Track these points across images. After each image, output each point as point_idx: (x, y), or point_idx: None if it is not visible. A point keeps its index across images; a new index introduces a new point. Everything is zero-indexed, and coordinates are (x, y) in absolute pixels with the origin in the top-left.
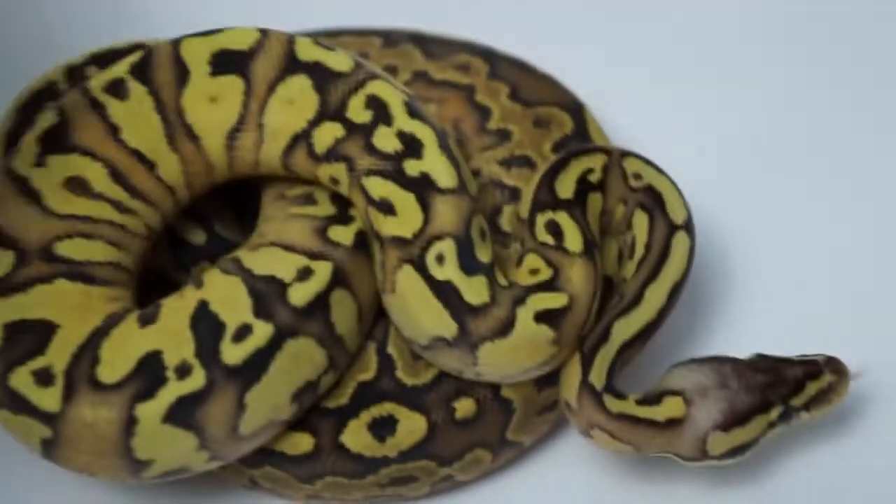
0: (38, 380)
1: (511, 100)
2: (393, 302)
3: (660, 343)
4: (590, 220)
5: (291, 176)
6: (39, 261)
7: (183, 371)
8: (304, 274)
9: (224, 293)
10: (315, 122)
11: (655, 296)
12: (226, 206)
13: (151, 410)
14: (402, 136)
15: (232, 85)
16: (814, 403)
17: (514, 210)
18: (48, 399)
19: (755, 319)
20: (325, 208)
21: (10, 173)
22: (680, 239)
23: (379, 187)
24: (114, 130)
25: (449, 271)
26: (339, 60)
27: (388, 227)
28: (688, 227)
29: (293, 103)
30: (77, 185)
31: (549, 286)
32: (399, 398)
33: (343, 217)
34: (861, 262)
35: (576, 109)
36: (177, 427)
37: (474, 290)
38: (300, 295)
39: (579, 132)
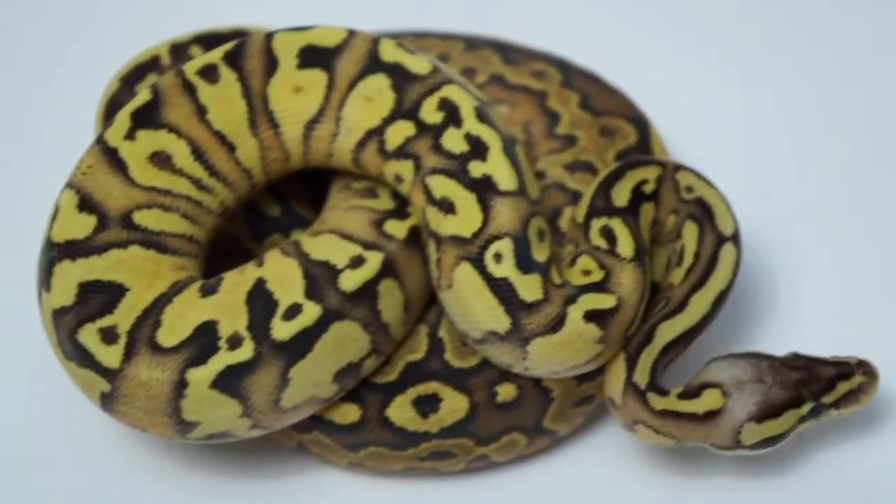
0: (104, 337)
1: (580, 108)
2: (449, 297)
3: (703, 340)
4: (642, 228)
5: (358, 171)
6: (118, 227)
7: (234, 342)
8: (357, 262)
9: (281, 273)
10: (389, 120)
11: (700, 303)
12: (303, 184)
13: (201, 376)
14: (469, 138)
15: (316, 78)
16: (843, 402)
17: (572, 213)
18: (110, 356)
19: (794, 322)
20: (385, 202)
21: (103, 144)
22: (727, 250)
23: (442, 186)
24: (201, 111)
25: (506, 269)
26: (418, 63)
27: (448, 225)
28: (735, 239)
29: (371, 101)
30: (161, 160)
31: (599, 287)
32: (445, 378)
33: (400, 212)
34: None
35: (641, 123)
36: (223, 393)
37: (529, 288)
38: (350, 281)
39: (641, 144)
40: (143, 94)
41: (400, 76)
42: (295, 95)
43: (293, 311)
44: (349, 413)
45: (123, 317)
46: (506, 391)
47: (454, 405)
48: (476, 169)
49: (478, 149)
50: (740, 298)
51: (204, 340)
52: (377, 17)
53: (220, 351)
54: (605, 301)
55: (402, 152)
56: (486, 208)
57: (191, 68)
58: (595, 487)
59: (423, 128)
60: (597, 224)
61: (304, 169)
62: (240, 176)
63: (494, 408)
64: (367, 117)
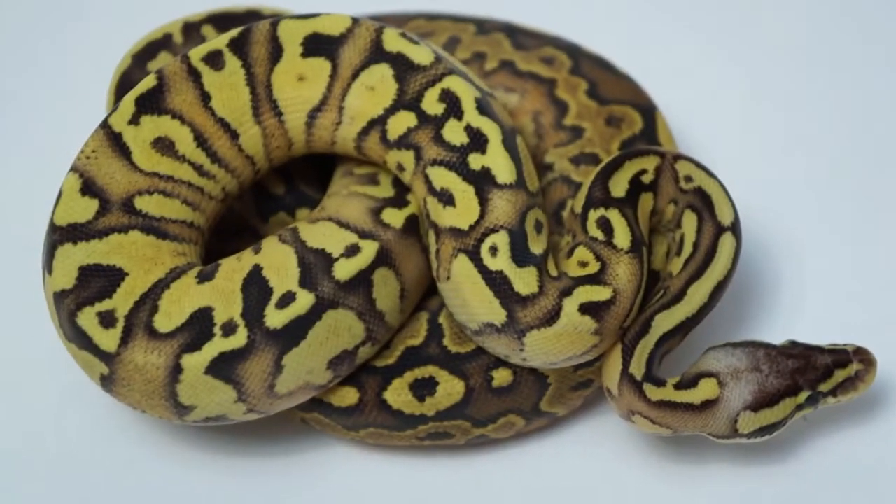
0: (102, 321)
1: (588, 96)
2: (447, 288)
3: (702, 329)
4: (640, 219)
5: (361, 158)
6: (119, 212)
7: (228, 329)
8: (352, 251)
9: (277, 260)
10: (391, 110)
11: (698, 293)
12: (308, 163)
13: (195, 361)
14: (469, 130)
15: (320, 67)
16: (840, 390)
17: (571, 204)
18: (108, 340)
19: (794, 311)
20: (385, 190)
21: (107, 128)
22: (726, 240)
23: (442, 177)
24: (205, 98)
25: (501, 262)
26: (421, 53)
27: (446, 217)
28: (734, 228)
29: (374, 90)
30: (164, 146)
31: (595, 279)
32: (442, 363)
33: (399, 201)
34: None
35: (648, 110)
36: (217, 379)
37: (524, 281)
38: (344, 270)
39: (647, 132)
40: (149, 80)
41: (402, 66)
42: (299, 84)
43: (287, 299)
44: (347, 396)
45: (122, 301)
46: (501, 376)
47: (450, 389)
48: (475, 161)
49: (478, 141)
50: (740, 288)
51: (199, 326)
52: (393, 1)
53: (214, 337)
54: (600, 293)
55: (403, 142)
56: (483, 201)
57: (196, 54)
58: (596, 466)
59: (424, 118)
60: (594, 215)
61: (307, 155)
62: (242, 163)
63: (490, 392)
64: (369, 107)
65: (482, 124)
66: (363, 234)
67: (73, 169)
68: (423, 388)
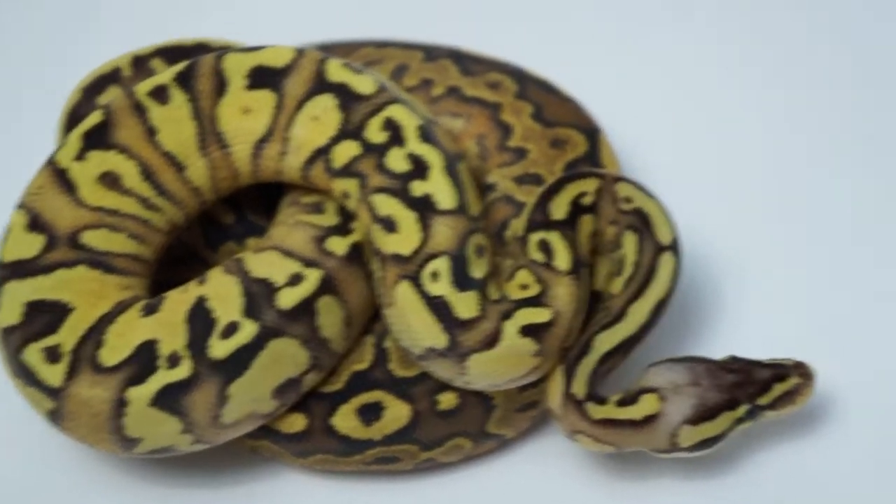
0: (48, 356)
1: (533, 119)
2: (391, 314)
3: (646, 345)
4: (581, 241)
5: (307, 186)
6: (66, 247)
7: (173, 360)
8: (295, 279)
9: (221, 291)
10: (336, 140)
11: (639, 313)
12: (257, 192)
13: (140, 394)
14: (412, 157)
15: (265, 99)
16: (779, 403)
17: (513, 227)
18: (53, 375)
19: (737, 327)
20: (330, 218)
21: (53, 165)
22: (666, 259)
23: (385, 204)
24: (151, 132)
25: (442, 287)
26: (364, 83)
27: (389, 244)
28: (674, 247)
29: (318, 120)
30: (110, 180)
31: (535, 301)
32: (388, 387)
33: (343, 229)
34: (837, 282)
35: (592, 133)
36: (163, 411)
37: (465, 305)
38: (287, 299)
39: (591, 154)
40: (95, 115)
41: (346, 96)
42: (244, 116)
43: (230, 330)
44: (295, 422)
45: (67, 336)
46: (447, 399)
47: (396, 413)
48: (417, 188)
49: (420, 168)
50: (683, 304)
51: (144, 359)
52: (343, 27)
53: (158, 370)
54: (540, 315)
55: (347, 171)
56: (425, 227)
57: (142, 89)
58: (546, 487)
59: (368, 147)
60: (535, 238)
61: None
62: (189, 195)
63: (436, 415)
64: (314, 137)
65: (424, 152)
66: (307, 263)
67: (21, 206)
68: (370, 413)
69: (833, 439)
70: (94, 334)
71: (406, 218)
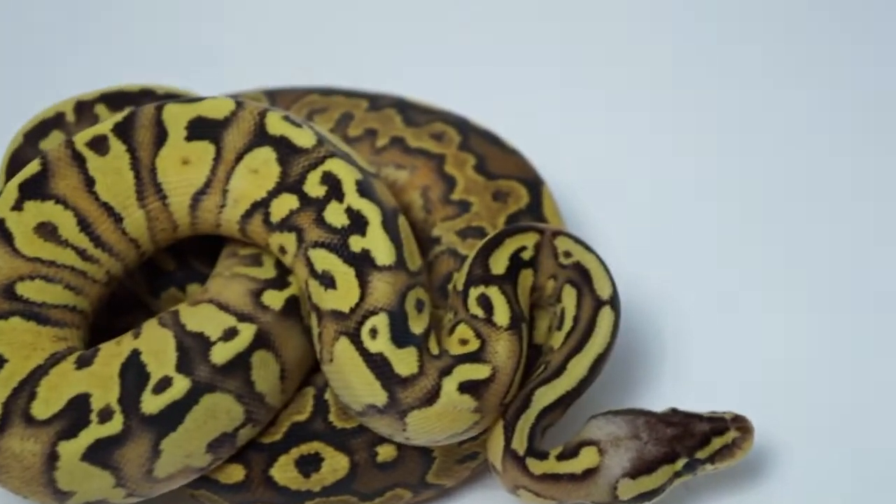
0: None
1: (476, 171)
2: (330, 371)
3: (588, 396)
4: (520, 295)
5: (245, 240)
6: (1, 298)
7: (105, 415)
8: (230, 334)
9: (155, 345)
10: (274, 193)
11: (578, 367)
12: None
13: (72, 449)
14: (350, 212)
15: (204, 150)
16: (718, 457)
17: (453, 281)
18: None
19: (676, 378)
20: (268, 271)
21: None
22: (605, 314)
23: (323, 260)
24: (89, 183)
25: (381, 344)
26: (303, 136)
27: (328, 300)
28: (613, 302)
29: (257, 173)
30: (47, 231)
31: (475, 357)
32: (327, 439)
33: (280, 282)
34: (773, 331)
35: (534, 185)
36: (94, 465)
37: (404, 362)
38: (221, 354)
39: (533, 206)
40: (33, 165)
41: (285, 149)
42: (183, 167)
43: (163, 384)
44: (234, 473)
45: (0, 389)
46: (386, 451)
47: (335, 464)
48: (356, 243)
49: (358, 223)
50: (625, 356)
51: (76, 413)
52: (289, 75)
53: (90, 424)
54: (479, 371)
55: (286, 225)
56: (363, 283)
57: (81, 139)
58: None
59: (306, 201)
60: (474, 293)
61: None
62: (126, 246)
63: (375, 467)
64: (252, 189)
65: (362, 206)
66: (241, 317)
67: None
68: (309, 465)
69: (772, 491)
70: (27, 387)
71: (344, 273)
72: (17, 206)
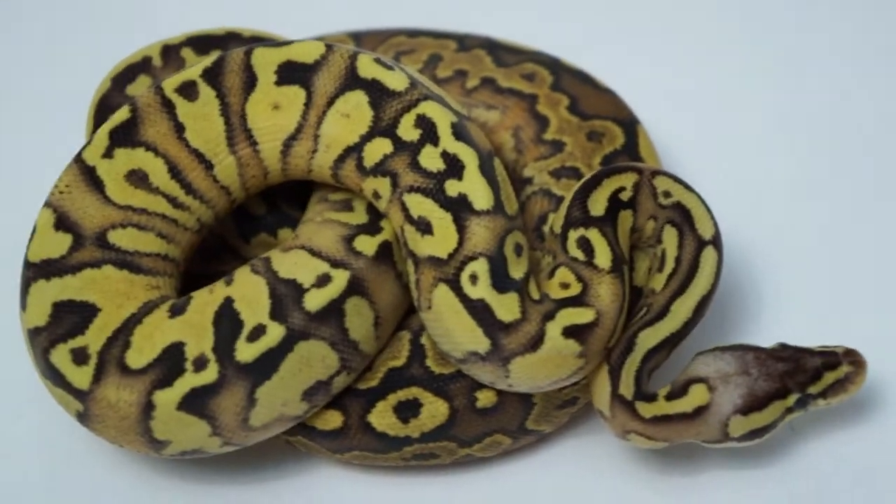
0: (75, 358)
1: (569, 111)
2: (429, 318)
3: (688, 339)
4: (620, 237)
5: (337, 185)
6: (93, 246)
7: (200, 364)
8: (323, 280)
9: (248, 292)
10: (367, 137)
11: (683, 308)
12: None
13: (167, 398)
14: (445, 156)
15: (294, 95)
16: (830, 392)
17: (550, 223)
18: (80, 377)
19: (783, 318)
20: (359, 217)
21: (80, 162)
22: (708, 254)
23: (419, 205)
24: (179, 129)
25: (482, 290)
26: (396, 79)
27: (425, 246)
28: (716, 242)
29: (349, 117)
30: (138, 178)
31: (577, 301)
32: (425, 384)
33: (372, 228)
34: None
35: (629, 125)
36: (190, 414)
37: (506, 308)
38: (315, 300)
39: (629, 147)
40: (122, 112)
41: (377, 92)
42: (273, 112)
43: (257, 332)
44: (331, 419)
45: (94, 337)
46: (485, 397)
47: (434, 410)
48: (452, 188)
49: (454, 167)
50: (725, 297)
51: (170, 362)
52: (374, 16)
53: (185, 373)
54: (583, 315)
55: (379, 169)
56: (461, 228)
57: (169, 85)
58: (586, 480)
59: (400, 145)
60: (574, 235)
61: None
62: (217, 193)
63: (475, 413)
64: (345, 134)
65: (458, 150)
66: (334, 263)
67: (47, 204)
68: (408, 410)
69: (882, 430)
70: (122, 336)
71: (441, 219)
72: (108, 154)
